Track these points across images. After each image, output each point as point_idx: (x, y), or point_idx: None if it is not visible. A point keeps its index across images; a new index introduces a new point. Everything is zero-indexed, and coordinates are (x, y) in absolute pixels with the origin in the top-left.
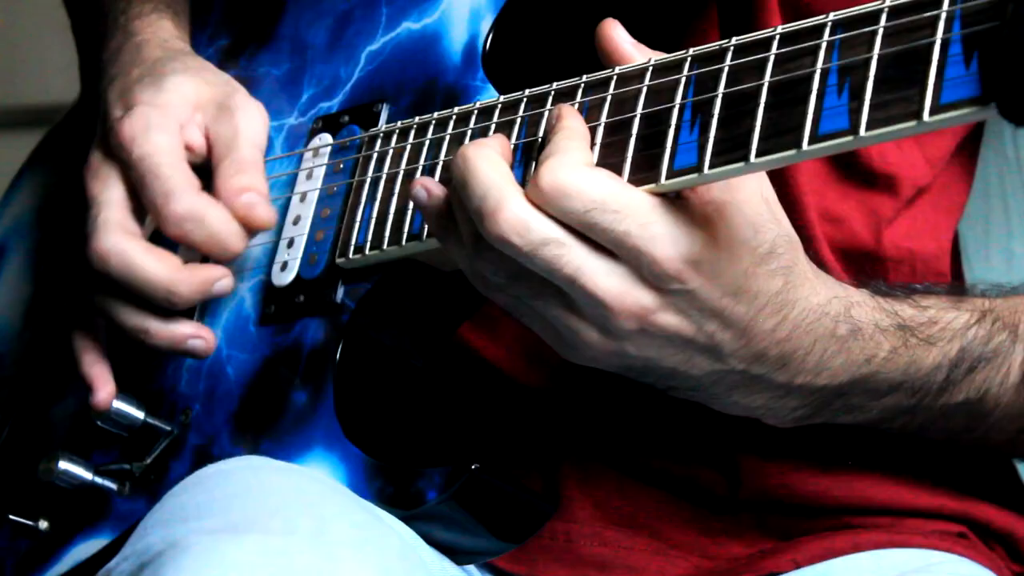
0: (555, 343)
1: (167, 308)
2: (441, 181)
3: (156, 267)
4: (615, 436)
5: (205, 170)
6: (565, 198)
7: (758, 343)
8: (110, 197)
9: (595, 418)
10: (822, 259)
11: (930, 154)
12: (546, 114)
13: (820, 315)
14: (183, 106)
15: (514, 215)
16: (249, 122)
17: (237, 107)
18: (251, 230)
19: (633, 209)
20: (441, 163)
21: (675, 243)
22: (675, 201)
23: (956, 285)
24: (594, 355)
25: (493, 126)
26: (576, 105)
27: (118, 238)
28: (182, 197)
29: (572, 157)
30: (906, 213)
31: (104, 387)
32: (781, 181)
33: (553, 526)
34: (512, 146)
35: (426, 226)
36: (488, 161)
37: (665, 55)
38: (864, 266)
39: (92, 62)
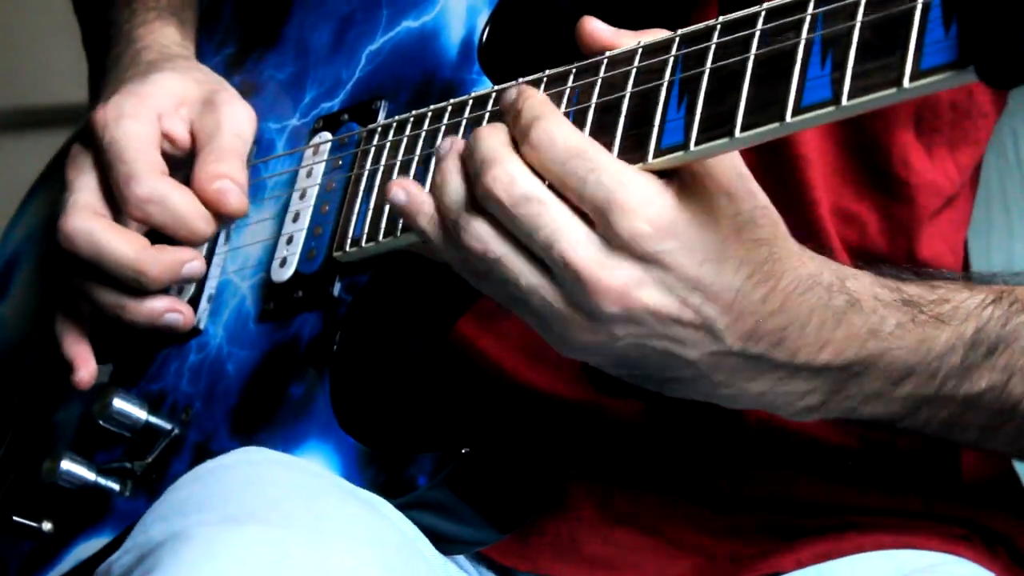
0: (547, 335)
1: (138, 289)
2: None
3: (123, 246)
4: (617, 434)
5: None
6: (552, 147)
7: (750, 316)
8: (83, 182)
9: (597, 417)
10: (834, 255)
11: (960, 161)
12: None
13: (812, 284)
14: (164, 97)
15: (504, 171)
16: (233, 115)
17: (223, 102)
18: (222, 216)
19: (607, 164)
20: (436, 151)
21: (648, 202)
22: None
23: (969, 273)
24: (584, 344)
25: (487, 115)
26: (567, 91)
27: (85, 218)
28: (144, 179)
29: (558, 116)
30: (929, 225)
31: (85, 365)
32: (792, 178)
33: (557, 524)
34: None
35: None
36: (496, 132)
37: (654, 37)
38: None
39: (98, 71)
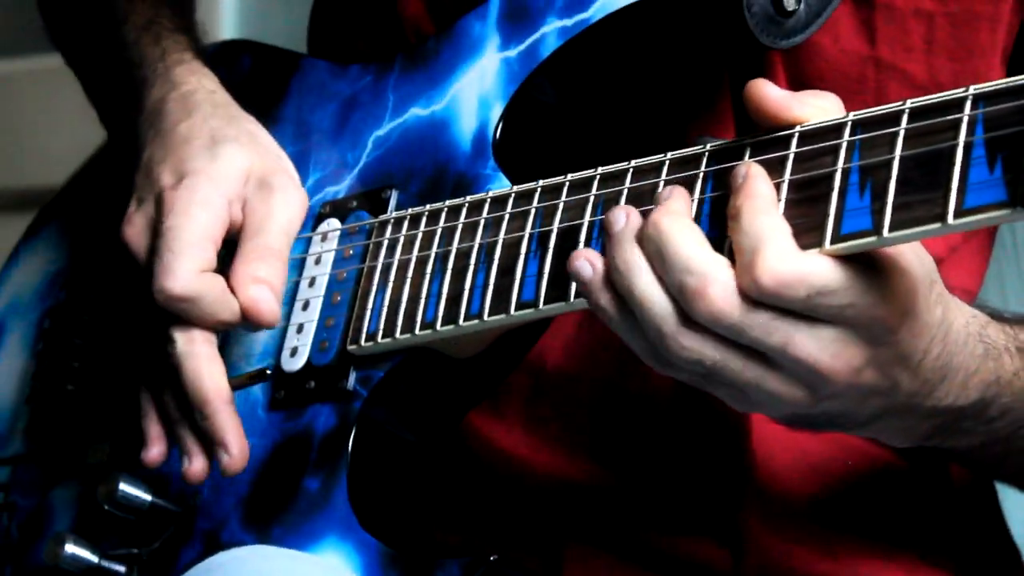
0: (737, 402)
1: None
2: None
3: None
4: (616, 515)
5: None
6: (787, 290)
7: (924, 375)
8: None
9: (596, 498)
10: None
11: None
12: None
13: (966, 336)
14: (235, 181)
15: (726, 292)
16: (284, 207)
17: (276, 188)
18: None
19: (849, 282)
20: (455, 250)
21: (891, 299)
22: (864, 260)
23: None
24: (788, 411)
25: (507, 216)
26: (592, 198)
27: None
28: (180, 277)
29: (781, 244)
30: None
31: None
32: None
33: None
34: (527, 235)
35: (440, 315)
36: (686, 233)
37: (683, 150)
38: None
39: (125, 114)
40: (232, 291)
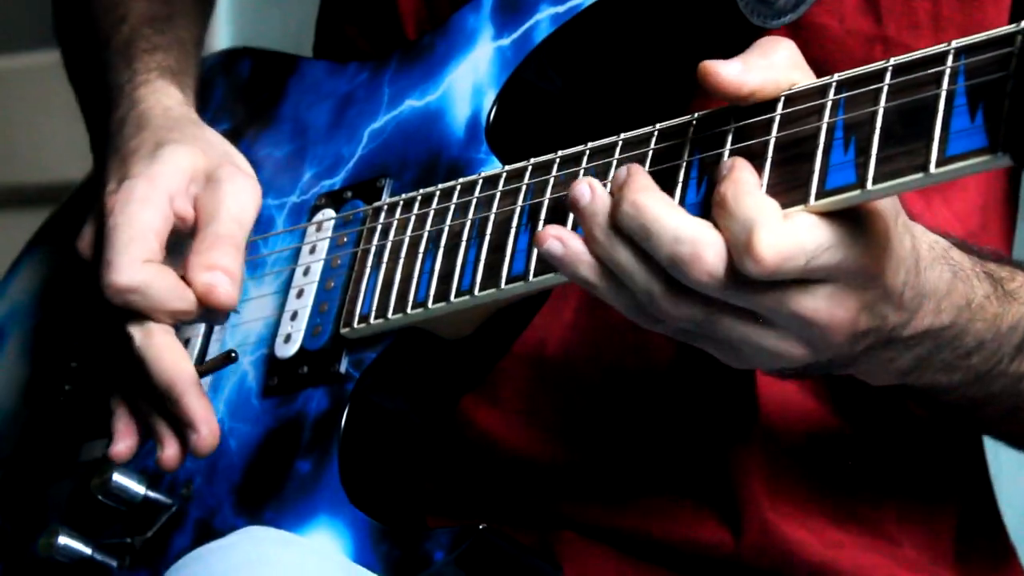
0: (730, 359)
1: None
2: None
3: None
4: (614, 505)
5: None
6: (789, 262)
7: (905, 305)
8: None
9: (594, 487)
10: None
11: (957, 208)
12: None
13: (932, 260)
14: (175, 176)
15: (720, 255)
16: (234, 195)
17: (224, 179)
18: (208, 308)
19: (837, 239)
20: (447, 229)
21: (873, 245)
22: (846, 213)
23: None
24: (784, 364)
25: (498, 193)
26: (582, 171)
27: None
28: (124, 269)
29: (773, 220)
30: None
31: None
32: None
33: None
34: (518, 209)
35: (432, 293)
36: (665, 205)
37: (670, 120)
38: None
39: (99, 136)
40: (187, 282)
